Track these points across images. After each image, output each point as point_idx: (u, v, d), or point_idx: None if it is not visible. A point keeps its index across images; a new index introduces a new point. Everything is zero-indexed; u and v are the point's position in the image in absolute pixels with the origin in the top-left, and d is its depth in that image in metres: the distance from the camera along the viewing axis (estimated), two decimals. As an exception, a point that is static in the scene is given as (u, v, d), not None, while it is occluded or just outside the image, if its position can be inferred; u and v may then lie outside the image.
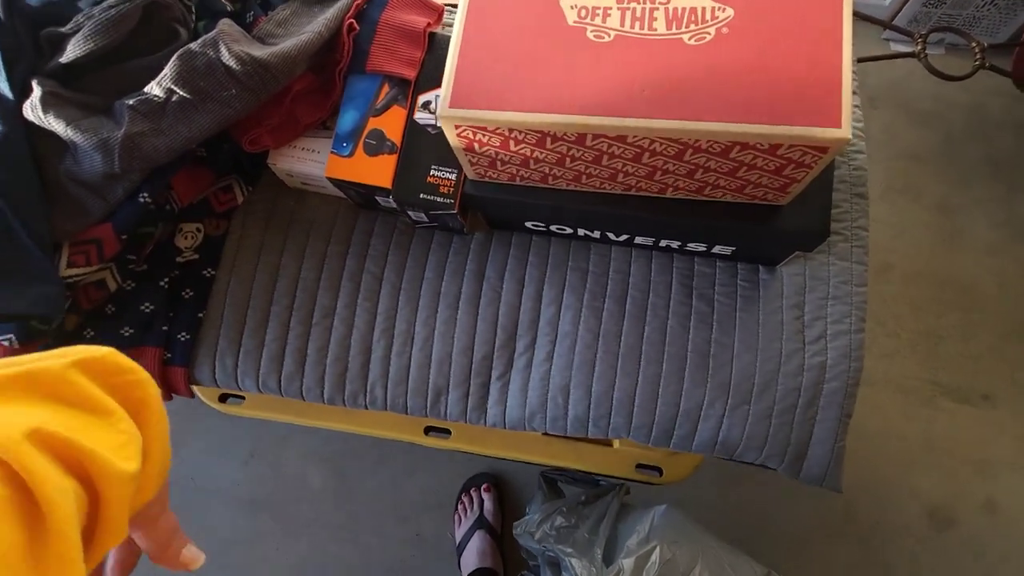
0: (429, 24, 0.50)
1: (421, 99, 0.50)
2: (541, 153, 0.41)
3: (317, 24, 0.47)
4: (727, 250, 0.52)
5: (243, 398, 0.65)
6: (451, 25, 0.57)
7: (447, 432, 0.67)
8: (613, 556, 0.62)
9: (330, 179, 0.49)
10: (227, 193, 0.53)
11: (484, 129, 0.39)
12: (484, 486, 0.97)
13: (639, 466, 0.67)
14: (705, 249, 0.53)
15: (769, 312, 0.52)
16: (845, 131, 0.34)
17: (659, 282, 0.54)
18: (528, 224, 0.55)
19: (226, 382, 0.55)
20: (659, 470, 0.66)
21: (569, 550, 0.65)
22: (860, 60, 1.07)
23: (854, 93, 0.57)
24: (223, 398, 0.68)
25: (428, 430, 0.67)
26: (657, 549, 0.57)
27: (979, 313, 1.08)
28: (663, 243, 0.53)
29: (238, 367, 0.54)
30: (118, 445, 0.22)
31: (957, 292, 1.10)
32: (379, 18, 0.49)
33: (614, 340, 0.53)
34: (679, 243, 0.53)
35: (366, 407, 0.56)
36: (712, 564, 0.57)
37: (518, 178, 0.46)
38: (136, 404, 0.24)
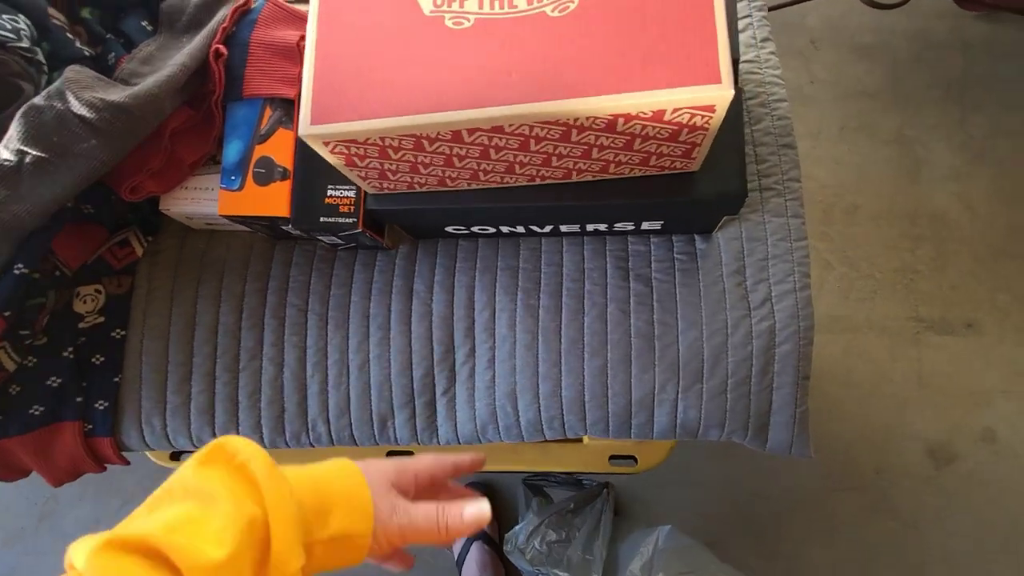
0: (303, 37, 0.47)
1: (307, 117, 0.47)
2: (425, 157, 0.38)
3: (181, 56, 0.44)
4: (656, 225, 0.49)
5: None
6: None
7: (409, 454, 0.65)
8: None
9: (224, 216, 0.46)
10: (124, 248, 0.50)
11: (355, 142, 0.36)
12: (476, 496, 0.95)
13: (613, 457, 0.64)
14: (634, 227, 0.50)
15: (710, 283, 0.50)
16: (726, 87, 0.31)
17: (593, 268, 0.52)
18: (449, 229, 0.52)
19: (158, 444, 0.52)
20: (633, 458, 0.64)
21: (564, 574, 0.62)
22: (795, 1, 1.04)
23: (766, 40, 0.54)
24: (176, 455, 0.65)
25: (390, 455, 0.65)
26: None
27: (951, 241, 1.06)
28: (591, 227, 0.51)
29: (167, 427, 0.51)
30: (214, 531, 0.23)
31: (927, 223, 1.07)
32: (249, 39, 0.46)
33: (554, 336, 0.51)
34: (606, 225, 0.50)
35: (311, 445, 0.54)
36: None
37: (416, 185, 0.43)
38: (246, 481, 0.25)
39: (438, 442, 0.54)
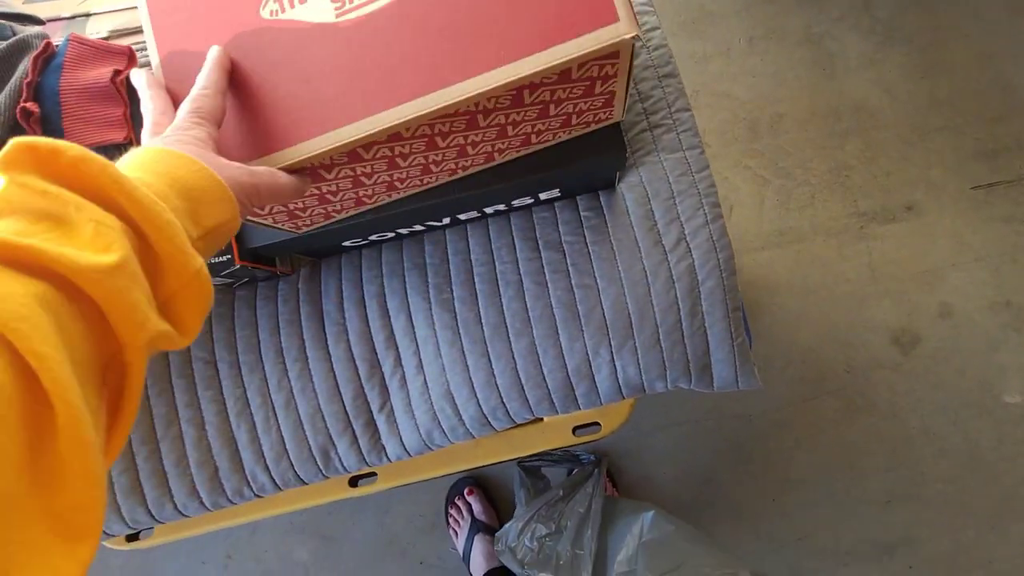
0: (119, 71, 0.42)
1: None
2: (329, 185, 0.34)
3: (-16, 123, 0.39)
4: (554, 193, 0.47)
5: (151, 528, 0.59)
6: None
7: (373, 475, 0.62)
8: (604, 570, 0.58)
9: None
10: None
11: None
12: (467, 490, 0.94)
13: (576, 428, 0.63)
14: (533, 200, 0.47)
15: (621, 235, 0.47)
16: (626, 24, 0.27)
17: (501, 247, 0.49)
18: (347, 243, 0.49)
19: (92, 536, 0.49)
20: (597, 424, 0.63)
21: None
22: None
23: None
24: (132, 537, 0.62)
25: (354, 481, 0.63)
26: None
27: (877, 129, 1.06)
28: (491, 209, 0.48)
29: (95, 517, 0.48)
30: (88, 239, 0.19)
31: (850, 116, 1.07)
32: (59, 86, 0.41)
33: (475, 326, 0.48)
34: (504, 205, 0.47)
35: (257, 496, 0.51)
36: None
37: (332, 214, 0.40)
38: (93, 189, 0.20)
39: (388, 459, 0.52)
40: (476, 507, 0.93)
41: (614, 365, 0.47)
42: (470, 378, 0.48)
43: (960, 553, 0.92)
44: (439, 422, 0.50)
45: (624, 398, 0.50)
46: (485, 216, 0.50)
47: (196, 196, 0.24)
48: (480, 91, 0.28)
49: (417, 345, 0.49)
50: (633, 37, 0.27)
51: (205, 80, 0.29)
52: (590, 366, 0.47)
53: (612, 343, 0.47)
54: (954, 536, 0.93)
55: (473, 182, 0.40)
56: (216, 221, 0.24)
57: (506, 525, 0.66)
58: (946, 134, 1.05)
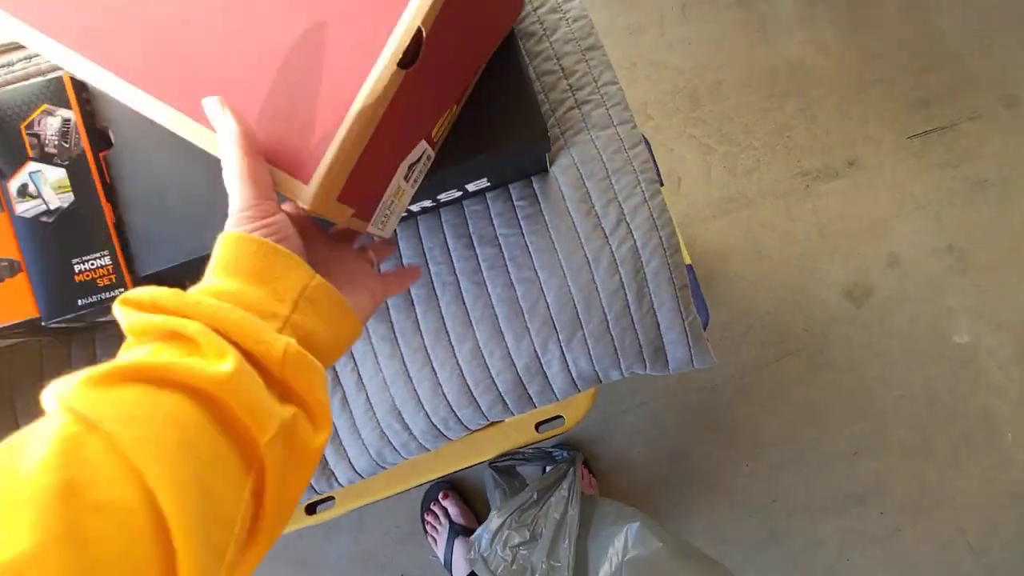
0: None
1: (13, 187, 0.37)
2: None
3: None
4: (483, 183, 0.44)
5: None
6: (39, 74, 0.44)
7: (330, 500, 0.59)
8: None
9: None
10: None
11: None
12: (441, 494, 0.92)
13: (539, 424, 0.61)
14: (461, 193, 0.44)
15: (557, 221, 0.45)
16: None
17: (433, 247, 0.46)
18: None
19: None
20: (560, 418, 0.61)
21: None
22: None
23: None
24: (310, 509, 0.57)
25: (311, 508, 0.59)
26: None
27: (814, 87, 1.06)
28: (417, 207, 0.44)
29: None
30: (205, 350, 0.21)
31: (787, 77, 1.07)
32: None
33: (414, 335, 0.45)
34: (431, 201, 0.44)
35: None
36: None
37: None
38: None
39: (339, 484, 0.48)
40: (453, 510, 0.90)
41: (565, 359, 0.45)
42: (415, 390, 0.45)
43: (925, 495, 0.95)
44: (388, 439, 0.47)
45: (580, 391, 0.48)
46: (413, 215, 0.46)
47: (263, 273, 0.24)
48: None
49: (355, 361, 0.46)
50: None
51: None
52: (540, 363, 0.45)
53: (560, 337, 0.45)
54: (918, 479, 0.96)
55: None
56: (295, 287, 0.25)
57: (477, 531, 0.64)
58: (880, 87, 1.06)
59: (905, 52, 1.07)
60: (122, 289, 0.38)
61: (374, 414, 0.46)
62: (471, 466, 0.61)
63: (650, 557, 0.53)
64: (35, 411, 0.44)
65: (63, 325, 0.41)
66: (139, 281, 0.39)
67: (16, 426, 0.43)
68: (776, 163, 1.04)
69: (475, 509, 0.93)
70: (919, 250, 1.01)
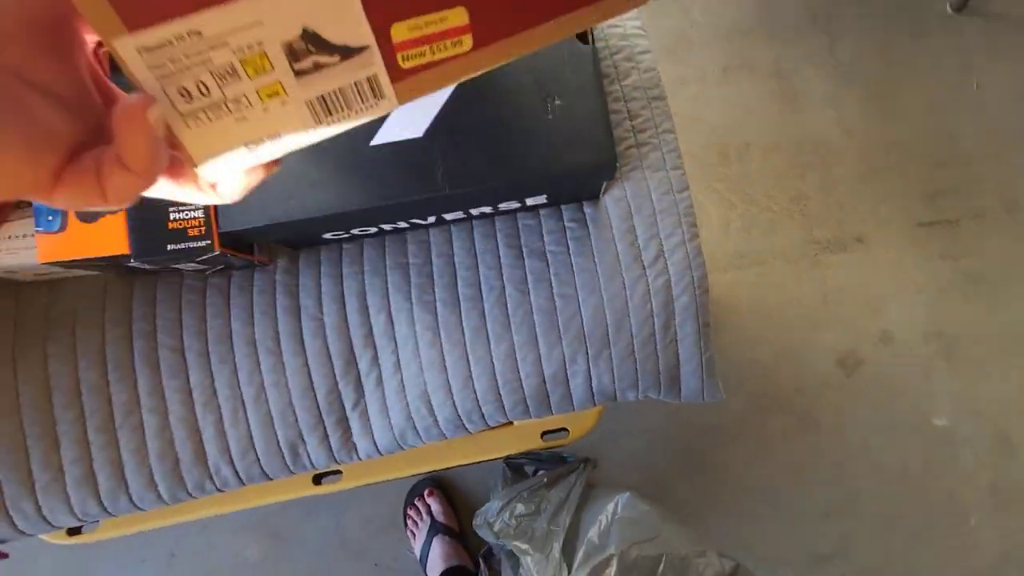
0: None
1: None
2: None
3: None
4: (541, 199, 0.48)
5: (96, 522, 0.56)
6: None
7: (337, 473, 0.62)
8: (574, 547, 0.60)
9: (49, 264, 0.40)
10: (-63, 318, 0.43)
11: None
12: (427, 491, 0.94)
13: (545, 433, 0.64)
14: (520, 205, 0.48)
15: (603, 247, 0.49)
16: None
17: (485, 251, 0.50)
18: (327, 236, 0.48)
19: (36, 527, 0.46)
20: (565, 430, 0.64)
21: (525, 546, 0.62)
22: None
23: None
24: (74, 531, 0.59)
25: (317, 479, 0.62)
26: (615, 560, 0.54)
27: (835, 164, 1.12)
28: (476, 212, 0.49)
29: (41, 508, 0.45)
30: None
31: (811, 150, 1.13)
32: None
33: (456, 329, 0.49)
34: (490, 207, 0.48)
35: (219, 490, 0.49)
36: (676, 565, 0.55)
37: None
38: None
39: (358, 458, 0.51)
40: (436, 508, 0.92)
41: (589, 373, 0.49)
42: (448, 380, 0.49)
43: (888, 564, 0.99)
44: (413, 423, 0.50)
45: (595, 405, 0.52)
46: (470, 218, 0.50)
47: None
48: None
49: (396, 344, 0.49)
50: None
51: None
52: (566, 373, 0.49)
53: (589, 352, 0.48)
54: (884, 547, 0.99)
55: (465, 179, 0.41)
56: None
57: (488, 503, 0.67)
58: (895, 174, 1.13)
59: (922, 146, 1.14)
60: (208, 242, 0.41)
61: (405, 396, 0.49)
62: (474, 463, 0.64)
63: (639, 516, 0.57)
64: (93, 341, 0.47)
65: (142, 265, 0.44)
66: (221, 236, 0.42)
67: (74, 353, 0.46)
68: (791, 228, 1.09)
69: (457, 511, 0.95)
70: (911, 332, 1.06)
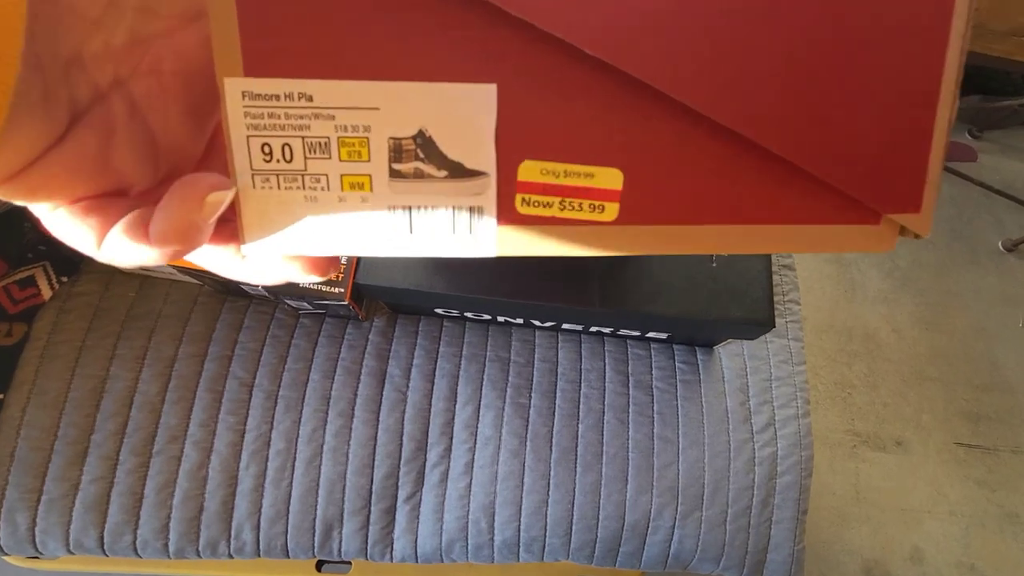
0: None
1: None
2: None
3: None
4: (662, 335, 0.47)
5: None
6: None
7: (346, 565, 0.54)
8: None
9: (175, 267, 0.38)
10: (27, 288, 0.40)
11: None
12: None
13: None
14: (639, 335, 0.47)
15: (712, 399, 0.47)
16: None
17: (591, 370, 0.47)
18: (438, 311, 0.46)
19: (17, 547, 0.39)
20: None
21: None
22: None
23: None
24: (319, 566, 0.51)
25: (320, 565, 0.54)
26: None
27: (881, 360, 1.13)
28: (595, 329, 0.47)
29: (36, 525, 0.39)
30: None
31: (860, 341, 1.14)
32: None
33: (544, 444, 0.45)
34: (609, 330, 0.46)
35: (230, 556, 0.43)
36: None
37: None
38: None
39: (391, 559, 0.45)
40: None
41: (673, 532, 0.44)
42: (521, 498, 0.44)
43: None
44: (467, 536, 0.44)
45: (663, 570, 0.46)
46: (580, 332, 0.49)
47: None
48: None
49: (476, 442, 0.45)
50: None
51: None
52: (648, 526, 0.44)
53: (679, 508, 0.44)
54: None
55: (621, 302, 0.39)
56: None
57: None
58: (939, 386, 1.13)
59: (966, 365, 1.15)
60: (342, 290, 0.39)
61: (468, 502, 0.44)
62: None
63: None
64: (166, 352, 0.44)
65: (253, 289, 0.42)
66: (356, 286, 0.40)
67: (142, 360, 0.43)
68: (832, 414, 1.07)
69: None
70: (943, 556, 1.00)
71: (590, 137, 0.17)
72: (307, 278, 0.18)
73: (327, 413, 0.45)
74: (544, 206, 0.17)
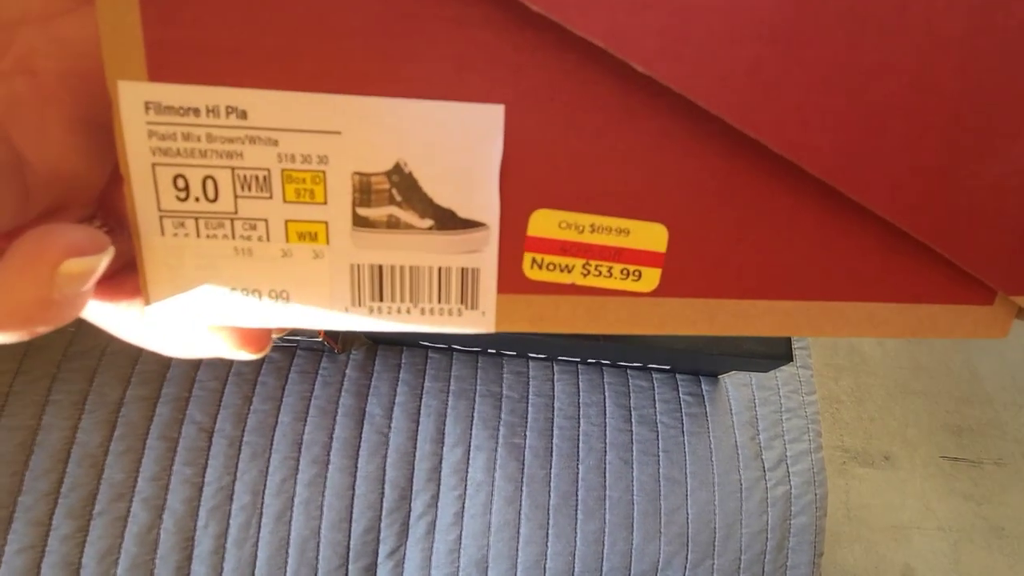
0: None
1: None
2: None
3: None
4: (663, 366, 0.43)
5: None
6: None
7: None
8: None
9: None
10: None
11: None
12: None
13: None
14: (641, 365, 0.43)
15: (720, 433, 0.43)
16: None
17: (590, 404, 0.44)
18: (424, 342, 0.42)
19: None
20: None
21: None
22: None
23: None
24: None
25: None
26: None
27: (867, 374, 1.13)
28: (594, 360, 0.43)
29: (-52, 608, 0.33)
30: None
31: (846, 355, 1.14)
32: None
33: (542, 488, 0.41)
34: (609, 362, 0.43)
35: (185, 630, 0.37)
36: None
37: None
38: None
39: (372, 623, 0.40)
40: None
41: (683, 583, 0.40)
42: (517, 550, 0.40)
43: None
44: (457, 593, 0.40)
45: (672, 622, 0.42)
46: (578, 363, 0.45)
47: None
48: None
49: (466, 488, 0.41)
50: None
51: None
52: (656, 576, 0.40)
53: (689, 557, 0.41)
54: None
55: (626, 336, 0.36)
56: None
57: None
58: (923, 399, 1.13)
59: (947, 377, 1.16)
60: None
61: (458, 557, 0.40)
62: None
63: None
64: (110, 396, 0.38)
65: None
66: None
67: (81, 407, 0.37)
68: (822, 429, 1.06)
69: None
70: (934, 574, 0.99)
71: (626, 181, 0.13)
72: (238, 354, 0.14)
73: (299, 460, 0.40)
74: (562, 270, 0.13)
